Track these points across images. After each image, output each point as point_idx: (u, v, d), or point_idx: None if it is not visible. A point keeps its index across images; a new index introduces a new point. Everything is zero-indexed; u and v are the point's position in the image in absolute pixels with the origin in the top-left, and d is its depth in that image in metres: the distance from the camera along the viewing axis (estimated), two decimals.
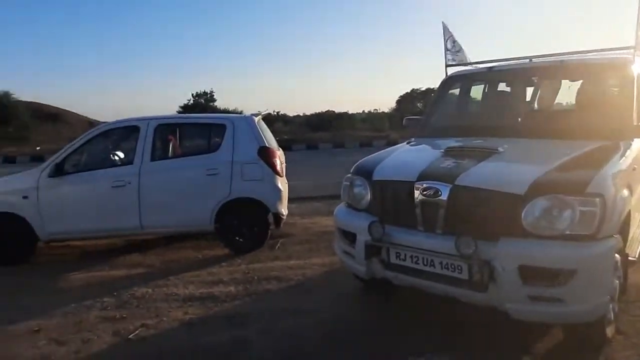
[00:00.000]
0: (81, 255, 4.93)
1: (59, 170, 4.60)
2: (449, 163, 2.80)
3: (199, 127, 5.40)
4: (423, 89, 27.42)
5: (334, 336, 2.89)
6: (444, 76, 4.28)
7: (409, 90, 29.52)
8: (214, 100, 30.01)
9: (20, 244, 4.62)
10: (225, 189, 4.73)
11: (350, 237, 3.05)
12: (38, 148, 17.94)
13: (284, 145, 18.83)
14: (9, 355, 2.79)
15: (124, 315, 3.31)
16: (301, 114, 32.97)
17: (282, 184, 5.03)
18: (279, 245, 5.01)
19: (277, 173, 4.92)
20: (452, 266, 2.50)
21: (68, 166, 4.70)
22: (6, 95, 25.68)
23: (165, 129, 5.04)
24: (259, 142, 4.90)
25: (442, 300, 2.68)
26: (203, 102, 29.63)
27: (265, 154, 4.89)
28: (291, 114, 33.19)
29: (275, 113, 27.52)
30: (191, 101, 29.46)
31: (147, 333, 3.05)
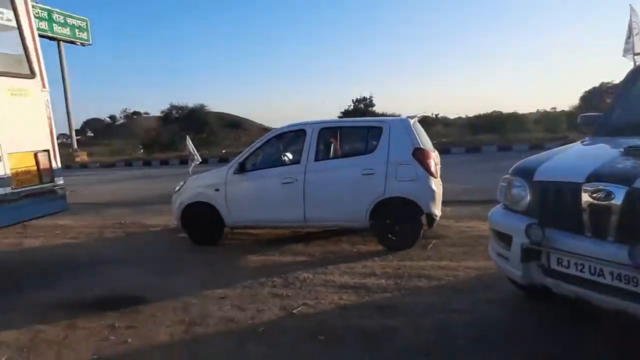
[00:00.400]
0: (257, 241, 5.72)
1: (241, 168, 5.45)
2: (627, 163, 2.49)
3: (358, 130, 5.74)
4: (615, 82, 23.53)
5: (484, 338, 2.83)
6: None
7: (597, 85, 25.70)
8: (373, 105, 30.86)
9: (212, 229, 5.60)
10: (380, 188, 4.95)
11: (505, 239, 2.94)
12: (224, 151, 21.10)
13: (443, 148, 18.28)
14: (204, 314, 3.48)
15: (289, 294, 3.80)
16: (463, 116, 31.61)
17: (436, 185, 5.03)
18: (431, 245, 5.02)
19: (431, 174, 4.95)
20: (627, 278, 2.23)
21: (249, 164, 5.52)
22: (201, 107, 30.87)
23: (327, 132, 5.51)
24: (413, 144, 5.00)
25: (613, 313, 2.40)
26: (362, 107, 30.75)
27: (419, 155, 4.96)
28: (452, 116, 32.13)
29: (434, 115, 27.00)
30: (351, 107, 30.85)
31: (308, 310, 3.45)
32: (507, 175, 3.13)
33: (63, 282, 4.42)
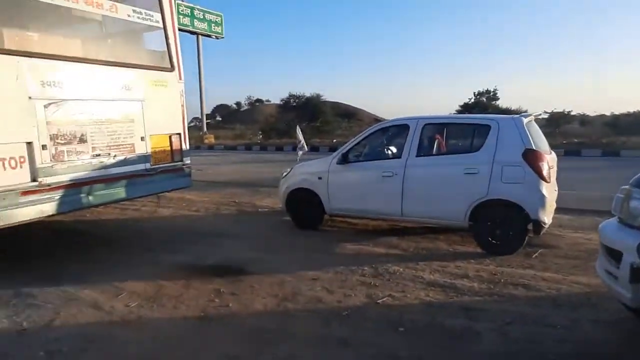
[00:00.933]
0: (354, 230, 5.90)
1: (344, 159, 5.65)
2: None
3: (464, 127, 5.56)
4: None
5: (579, 356, 2.65)
6: None
7: None
8: (497, 99, 28.96)
9: (313, 214, 5.93)
10: (483, 189, 4.76)
11: (615, 255, 2.70)
12: (334, 140, 21.67)
13: (572, 149, 16.50)
14: (295, 292, 3.78)
15: (377, 284, 3.92)
16: (607, 114, 27.97)
17: (548, 190, 4.67)
18: (536, 254, 4.70)
19: (542, 178, 4.61)
20: None
21: (351, 156, 5.70)
22: (317, 96, 32.04)
23: (431, 127, 5.43)
24: (524, 144, 4.70)
25: None
26: (485, 100, 29.02)
27: (531, 156, 4.66)
28: (592, 113, 28.59)
29: (566, 112, 24.42)
30: (472, 100, 29.31)
31: (392, 302, 3.54)
32: (627, 187, 2.84)
33: (184, 248, 5.13)
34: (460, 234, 5.37)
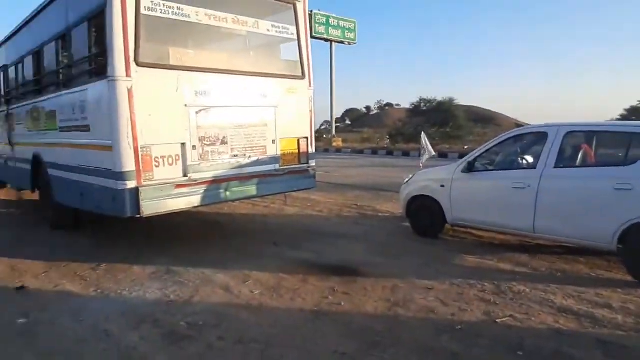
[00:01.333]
0: (477, 242, 5.57)
1: (470, 167, 5.38)
2: None
3: (616, 136, 4.83)
4: None
5: None
6: None
7: None
8: None
9: (434, 222, 5.76)
10: (638, 209, 4.10)
11: None
12: (466, 147, 20.57)
13: None
14: (408, 299, 3.74)
15: (497, 302, 3.66)
16: None
17: None
18: None
19: None
20: None
21: (478, 164, 5.39)
22: (450, 100, 30.71)
23: (575, 136, 4.85)
24: None
25: None
26: None
27: None
28: None
29: None
30: None
31: (513, 323, 3.27)
32: None
33: (305, 245, 5.43)
34: (607, 258, 4.70)
